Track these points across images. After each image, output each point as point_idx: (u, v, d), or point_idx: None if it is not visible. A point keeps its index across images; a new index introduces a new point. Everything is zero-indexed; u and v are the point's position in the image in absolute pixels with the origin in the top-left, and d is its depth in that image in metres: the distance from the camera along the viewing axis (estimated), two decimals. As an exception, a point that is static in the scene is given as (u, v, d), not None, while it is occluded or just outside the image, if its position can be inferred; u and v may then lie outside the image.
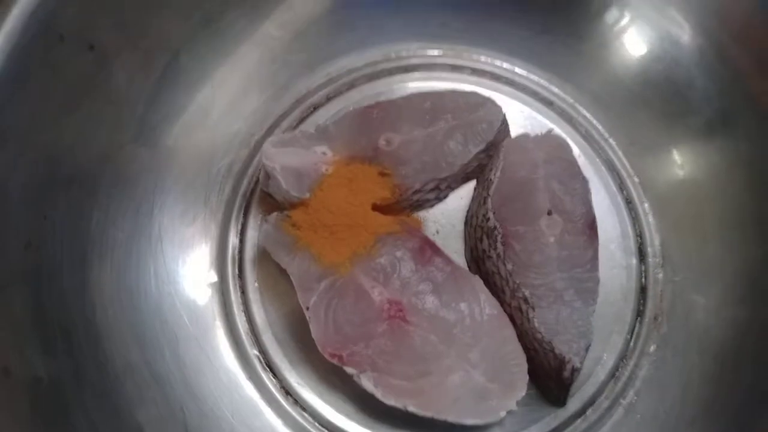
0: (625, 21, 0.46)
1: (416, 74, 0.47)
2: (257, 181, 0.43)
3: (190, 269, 0.40)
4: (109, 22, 0.35)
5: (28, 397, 0.29)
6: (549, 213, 0.40)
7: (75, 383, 0.31)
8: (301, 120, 0.45)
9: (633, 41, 0.46)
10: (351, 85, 0.46)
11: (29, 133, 0.32)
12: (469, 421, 0.35)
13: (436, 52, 0.48)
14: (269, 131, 0.44)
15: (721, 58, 0.42)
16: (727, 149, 0.43)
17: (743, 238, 0.41)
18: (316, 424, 0.38)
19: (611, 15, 0.46)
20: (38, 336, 0.31)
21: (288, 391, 0.38)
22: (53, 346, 0.31)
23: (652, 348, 0.41)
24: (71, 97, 0.34)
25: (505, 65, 0.48)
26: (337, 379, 0.38)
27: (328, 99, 0.46)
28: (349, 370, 0.35)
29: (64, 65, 0.33)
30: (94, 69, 0.35)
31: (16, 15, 0.30)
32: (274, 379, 0.38)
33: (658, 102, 0.45)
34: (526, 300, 0.37)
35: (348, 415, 0.38)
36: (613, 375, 0.40)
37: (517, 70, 0.48)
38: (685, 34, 0.43)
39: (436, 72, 0.47)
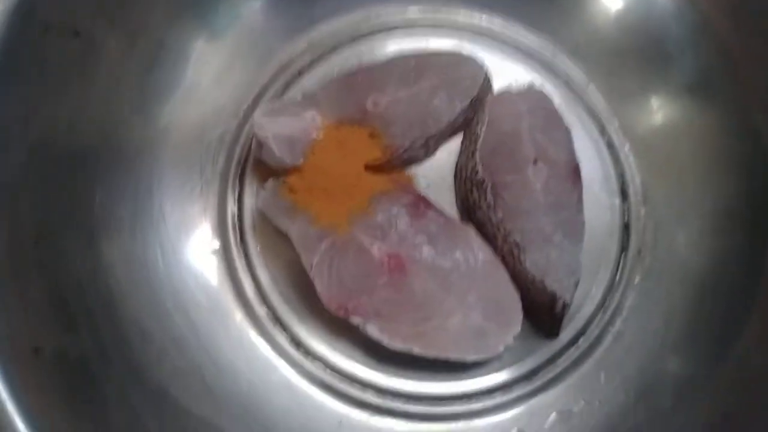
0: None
1: (397, 32, 0.48)
2: (249, 149, 0.44)
3: (193, 238, 0.42)
4: (92, 8, 0.35)
5: (59, 372, 0.31)
6: (534, 162, 0.41)
7: (101, 357, 0.33)
8: (287, 86, 0.46)
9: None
10: (333, 49, 0.47)
11: (27, 124, 0.33)
12: (471, 358, 0.38)
13: (415, 10, 0.49)
14: (256, 100, 0.45)
15: (695, 8, 0.44)
16: (703, 96, 0.44)
17: (717, 176, 0.43)
18: (328, 371, 0.40)
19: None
20: (61, 317, 0.32)
21: (298, 344, 0.40)
22: (76, 325, 0.33)
23: (637, 279, 0.43)
24: (63, 83, 0.34)
25: (484, 18, 0.49)
26: (344, 329, 0.39)
27: (312, 64, 0.46)
28: (355, 320, 0.37)
29: (52, 54, 0.33)
30: (82, 55, 0.35)
31: (0, 11, 0.30)
32: (284, 333, 0.40)
33: (635, 51, 0.46)
34: (517, 245, 0.39)
35: (357, 361, 0.40)
36: (601, 306, 0.43)
37: (496, 23, 0.49)
38: None
39: (417, 31, 0.48)
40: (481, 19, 0.49)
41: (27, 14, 0.32)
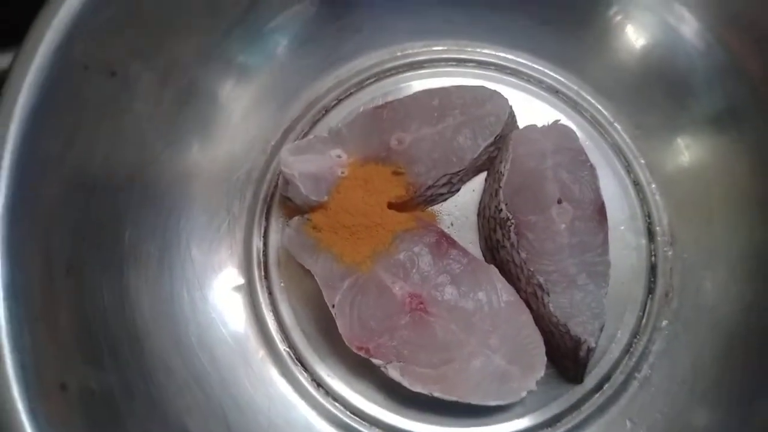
0: (625, 10, 0.46)
1: (423, 71, 0.48)
2: (276, 186, 0.44)
3: (218, 274, 0.42)
4: (128, 49, 0.36)
5: (84, 408, 0.31)
6: (559, 201, 0.41)
7: (124, 392, 0.34)
8: (314, 123, 0.47)
9: (634, 29, 0.47)
10: (360, 86, 0.48)
11: (63, 157, 0.34)
12: (492, 403, 0.37)
13: (440, 48, 0.49)
14: (284, 136, 0.46)
15: (722, 45, 0.43)
16: (731, 134, 0.44)
17: (748, 219, 0.42)
18: (348, 412, 0.40)
19: (611, 4, 0.46)
20: (87, 352, 0.33)
21: (319, 384, 0.40)
22: (101, 361, 0.33)
23: (664, 323, 0.42)
24: (98, 120, 0.36)
25: (509, 56, 0.49)
26: (365, 370, 0.40)
27: (339, 101, 0.47)
28: (376, 361, 0.37)
29: (89, 92, 0.35)
30: (117, 93, 0.36)
31: (43, 51, 0.32)
32: (305, 373, 0.41)
33: (661, 88, 0.46)
34: (540, 286, 0.39)
35: (377, 403, 0.40)
36: (627, 351, 0.42)
37: (521, 60, 0.49)
38: (686, 22, 0.44)
39: (442, 67, 0.49)
40: (507, 57, 0.49)
41: (67, 54, 0.33)
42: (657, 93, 0.47)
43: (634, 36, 0.47)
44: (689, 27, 0.44)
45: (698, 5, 0.44)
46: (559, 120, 0.45)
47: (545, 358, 0.38)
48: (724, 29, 0.43)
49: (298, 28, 0.45)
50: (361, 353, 0.38)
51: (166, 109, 0.40)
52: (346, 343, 0.38)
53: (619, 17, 0.47)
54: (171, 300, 0.39)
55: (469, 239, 0.44)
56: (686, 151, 0.46)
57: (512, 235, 0.40)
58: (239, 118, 0.45)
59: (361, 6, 0.46)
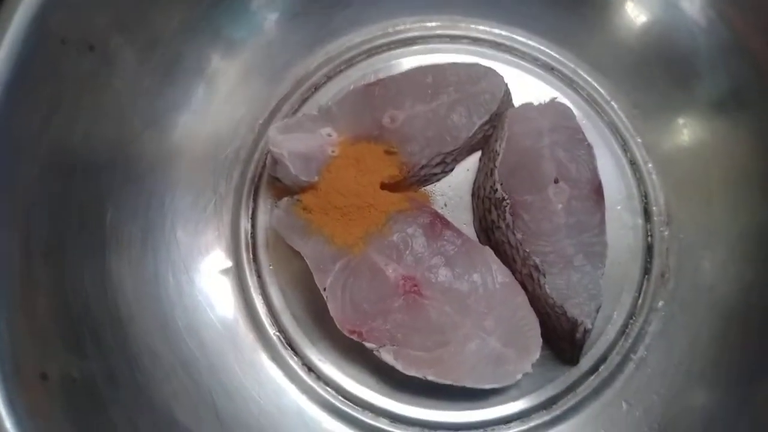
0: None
1: (415, 47, 0.47)
2: (264, 166, 0.43)
3: (205, 257, 0.41)
4: (107, 22, 0.35)
5: (66, 398, 0.30)
6: (556, 181, 0.40)
7: (108, 380, 0.33)
8: (303, 101, 0.45)
9: (635, 4, 0.45)
10: (350, 63, 0.46)
11: (41, 136, 0.33)
12: (488, 386, 0.37)
13: (433, 24, 0.48)
14: (272, 115, 0.45)
15: (726, 23, 0.42)
16: (733, 115, 0.43)
17: (748, 199, 0.41)
18: (340, 397, 0.39)
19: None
20: (69, 339, 0.32)
21: (310, 368, 0.40)
22: (84, 347, 0.32)
23: (660, 304, 0.42)
24: (77, 97, 0.34)
25: (504, 33, 0.48)
26: (357, 354, 0.39)
27: (328, 78, 0.46)
28: (369, 345, 0.36)
29: (67, 67, 0.33)
30: (96, 68, 0.35)
31: (17, 24, 0.30)
32: (295, 357, 0.40)
33: (661, 67, 0.45)
34: (536, 267, 0.38)
35: (370, 387, 0.39)
36: (623, 332, 0.41)
37: (517, 37, 0.47)
38: (690, 3, 0.43)
39: (435, 44, 0.47)
40: (501, 33, 0.48)
41: (42, 28, 0.32)
42: (657, 72, 0.46)
43: (635, 12, 0.46)
44: (691, 3, 0.43)
45: None
46: (556, 98, 0.44)
47: (541, 340, 0.38)
48: (727, 6, 0.42)
49: (287, 1, 0.43)
50: (354, 337, 0.37)
51: (147, 85, 0.38)
52: (338, 326, 0.37)
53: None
54: (156, 283, 0.38)
55: (463, 220, 0.43)
56: (685, 131, 0.45)
57: (507, 215, 0.39)
58: (225, 95, 0.43)
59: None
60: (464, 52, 0.47)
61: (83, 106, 0.35)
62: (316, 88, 0.46)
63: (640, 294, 0.42)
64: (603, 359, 0.41)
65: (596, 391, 0.40)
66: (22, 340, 0.29)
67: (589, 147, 0.42)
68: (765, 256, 0.39)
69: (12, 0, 0.31)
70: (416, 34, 0.47)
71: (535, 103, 0.43)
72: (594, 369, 0.40)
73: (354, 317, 0.37)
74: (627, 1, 0.46)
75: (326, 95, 0.45)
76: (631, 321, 0.42)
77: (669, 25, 0.44)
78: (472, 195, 0.44)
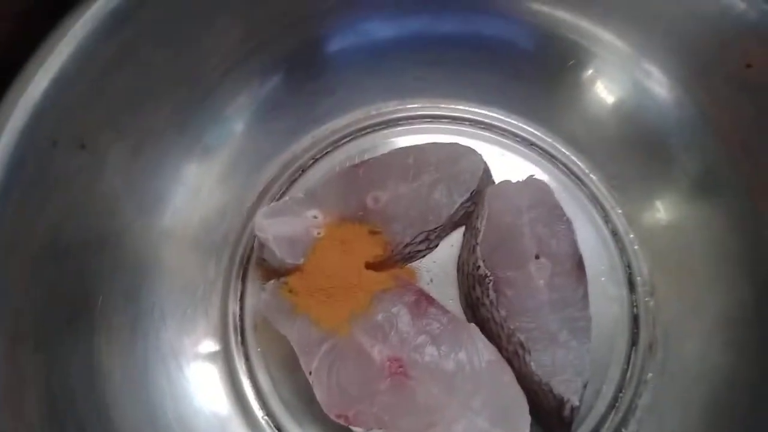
0: (596, 68, 0.47)
1: (398, 129, 0.49)
2: (252, 248, 0.44)
3: (193, 341, 0.41)
4: (98, 121, 0.36)
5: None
6: (537, 257, 0.41)
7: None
8: (291, 183, 0.47)
9: (605, 87, 0.48)
10: (336, 145, 0.48)
11: (32, 229, 0.34)
12: (478, 467, 0.36)
13: (415, 105, 0.50)
14: (260, 197, 0.46)
15: (693, 100, 0.44)
16: (709, 192, 0.44)
17: (729, 276, 0.41)
18: (329, 484, 0.39)
19: (580, 65, 0.48)
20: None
21: (299, 454, 0.39)
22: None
23: (649, 375, 0.42)
24: (68, 192, 0.35)
25: (484, 111, 0.50)
26: (345, 437, 0.38)
27: (315, 160, 0.48)
28: (356, 429, 0.36)
29: (58, 165, 0.34)
30: (87, 165, 0.36)
31: (10, 130, 0.32)
32: (285, 442, 0.40)
33: (636, 141, 0.47)
34: (521, 344, 0.38)
35: (359, 472, 0.38)
36: (613, 405, 0.41)
37: (496, 115, 0.50)
38: (658, 83, 0.45)
39: (417, 124, 0.49)
40: (480, 112, 0.50)
41: (35, 130, 0.33)
42: (632, 148, 0.47)
43: (606, 95, 0.48)
44: (658, 83, 0.45)
45: (672, 70, 0.44)
46: (534, 174, 0.45)
47: (530, 418, 0.37)
48: (694, 84, 0.44)
49: (265, 97, 0.46)
50: (341, 421, 0.36)
51: (137, 179, 0.39)
52: (325, 410, 0.37)
53: (588, 77, 0.48)
54: (145, 371, 0.38)
55: (449, 295, 0.44)
56: (663, 204, 0.46)
57: (491, 292, 0.40)
58: (214, 181, 0.45)
59: (334, 69, 0.47)
60: (445, 131, 0.49)
61: (73, 200, 0.36)
62: (303, 170, 0.47)
63: (628, 366, 0.42)
64: (594, 435, 0.40)
65: (589, 470, 0.39)
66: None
67: (569, 222, 0.43)
68: (746, 322, 0.40)
69: (4, 109, 0.32)
70: (399, 115, 0.49)
71: (514, 180, 0.44)
72: (586, 446, 0.40)
73: (340, 401, 0.37)
74: (597, 85, 0.48)
75: (313, 176, 0.47)
76: (621, 394, 0.41)
77: (639, 104, 0.46)
78: (458, 270, 0.45)
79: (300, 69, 0.46)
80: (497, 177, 0.45)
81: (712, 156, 0.43)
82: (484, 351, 0.39)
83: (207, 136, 0.45)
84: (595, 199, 0.47)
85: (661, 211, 0.46)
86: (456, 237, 0.46)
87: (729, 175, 0.42)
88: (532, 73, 0.48)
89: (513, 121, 0.49)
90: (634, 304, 0.44)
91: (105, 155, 0.37)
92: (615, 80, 0.47)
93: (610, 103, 0.48)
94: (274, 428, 0.40)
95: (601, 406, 0.41)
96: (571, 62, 0.46)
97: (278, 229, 0.41)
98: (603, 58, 0.47)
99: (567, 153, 0.49)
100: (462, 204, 0.43)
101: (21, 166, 0.32)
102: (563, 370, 0.38)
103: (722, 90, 0.42)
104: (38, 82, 0.33)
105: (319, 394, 0.37)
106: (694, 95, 0.44)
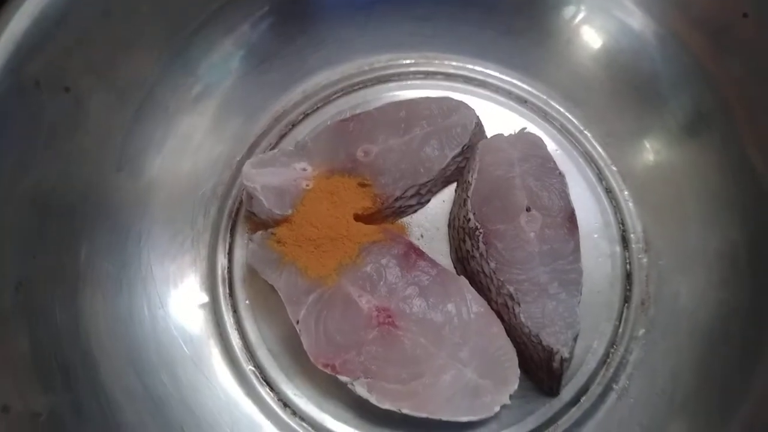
0: (582, 15, 0.47)
1: (390, 84, 0.48)
2: (242, 202, 0.44)
3: (181, 292, 0.41)
4: (82, 65, 0.36)
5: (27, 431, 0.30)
6: (527, 209, 0.40)
7: (75, 415, 0.32)
8: (281, 138, 0.46)
9: (594, 35, 0.47)
10: (327, 100, 0.48)
11: (15, 175, 0.34)
12: (464, 418, 0.36)
13: (408, 61, 0.49)
14: (250, 151, 0.46)
15: (682, 45, 0.43)
16: (700, 137, 0.43)
17: (720, 219, 0.41)
18: (316, 432, 0.38)
19: (568, 10, 0.47)
20: (37, 372, 0.32)
21: (286, 403, 0.39)
22: (52, 381, 0.32)
23: (641, 332, 0.41)
24: (52, 138, 0.35)
25: (476, 68, 0.49)
26: (333, 388, 0.38)
27: (305, 115, 0.47)
28: (343, 378, 0.36)
29: (42, 108, 0.34)
30: (71, 109, 0.36)
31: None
32: (271, 393, 0.39)
33: (628, 92, 0.46)
34: (511, 296, 0.38)
35: (346, 422, 0.38)
36: (604, 361, 0.41)
37: (489, 71, 0.49)
38: (642, 23, 0.44)
39: (410, 80, 0.48)
40: (474, 68, 0.49)
41: (17, 70, 0.33)
42: (624, 98, 0.47)
43: (595, 42, 0.47)
44: (646, 29, 0.44)
45: (653, 7, 0.44)
46: (526, 128, 0.44)
47: (518, 371, 0.37)
48: (682, 30, 0.43)
49: (260, 43, 0.45)
50: (327, 370, 0.36)
51: (123, 125, 0.39)
52: (312, 359, 0.36)
53: (577, 24, 0.47)
54: (130, 319, 0.38)
55: (439, 251, 0.43)
56: (657, 155, 0.46)
57: (481, 244, 0.39)
58: (203, 133, 0.44)
59: (324, 22, 0.46)
60: (438, 87, 0.48)
61: (58, 147, 0.36)
62: (294, 125, 0.47)
63: (620, 322, 0.42)
64: (584, 390, 0.40)
65: (578, 423, 0.39)
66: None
67: (561, 175, 0.42)
68: (736, 277, 0.39)
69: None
70: (391, 71, 0.49)
71: (506, 134, 0.44)
72: (575, 400, 0.39)
73: (327, 350, 0.37)
74: (586, 32, 0.47)
75: (303, 131, 0.46)
76: (612, 350, 0.41)
77: (631, 53, 0.46)
78: (449, 226, 0.44)
79: (290, 20, 0.45)
80: (490, 132, 0.45)
81: (702, 101, 0.43)
82: (472, 303, 0.39)
83: (197, 84, 0.44)
84: (589, 156, 0.47)
85: (656, 160, 0.45)
86: (448, 193, 0.45)
87: (718, 118, 0.42)
88: (524, 27, 0.48)
89: (507, 77, 0.49)
90: (628, 261, 0.44)
91: (89, 100, 0.37)
92: (604, 28, 0.47)
93: (602, 55, 0.47)
94: (260, 379, 0.40)
95: (592, 362, 0.41)
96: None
97: (266, 179, 0.40)
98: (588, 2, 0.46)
99: (561, 109, 0.48)
100: (453, 158, 0.43)
101: (4, 103, 0.32)
102: (553, 322, 0.38)
103: (709, 31, 0.42)
104: (18, 20, 0.32)
105: (306, 343, 0.37)
106: (682, 41, 0.43)
